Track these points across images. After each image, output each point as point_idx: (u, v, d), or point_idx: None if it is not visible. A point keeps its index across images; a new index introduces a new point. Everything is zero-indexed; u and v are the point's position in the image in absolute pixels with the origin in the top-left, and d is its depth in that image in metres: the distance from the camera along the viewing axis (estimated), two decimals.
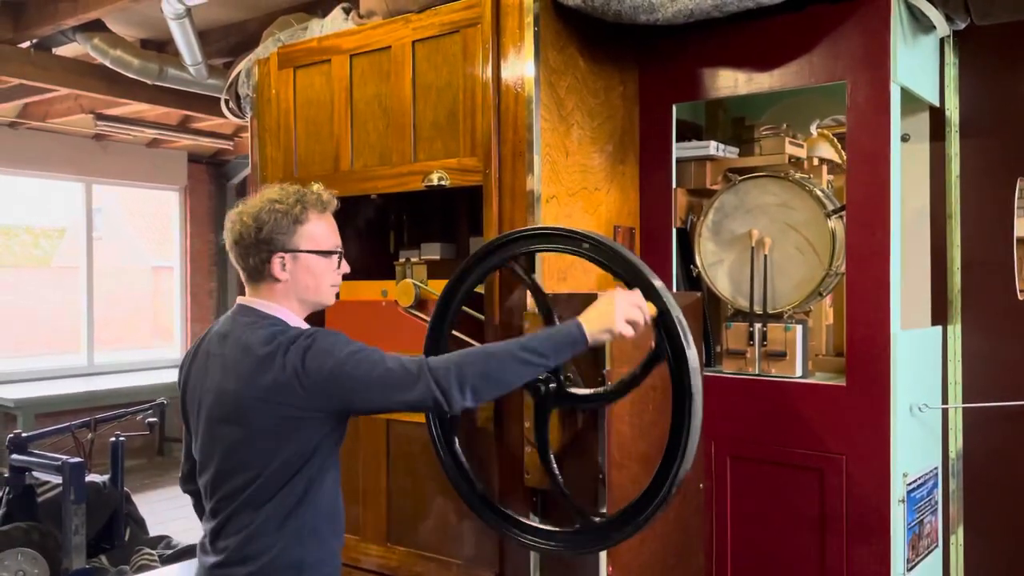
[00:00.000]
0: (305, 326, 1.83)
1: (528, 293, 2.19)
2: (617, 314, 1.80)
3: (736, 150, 2.73)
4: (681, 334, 1.84)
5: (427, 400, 1.71)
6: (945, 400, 2.57)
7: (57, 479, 3.85)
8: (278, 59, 2.75)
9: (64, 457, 3.80)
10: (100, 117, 6.64)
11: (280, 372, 1.70)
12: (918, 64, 2.44)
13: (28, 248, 13.07)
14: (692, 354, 1.85)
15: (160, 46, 5.07)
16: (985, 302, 2.54)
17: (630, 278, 1.91)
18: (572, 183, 2.37)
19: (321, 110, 2.65)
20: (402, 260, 2.59)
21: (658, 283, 1.88)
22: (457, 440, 2.21)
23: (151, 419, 4.41)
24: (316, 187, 1.93)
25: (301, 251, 1.81)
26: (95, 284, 7.63)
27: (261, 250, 1.79)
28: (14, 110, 6.78)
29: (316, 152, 2.67)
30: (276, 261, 1.79)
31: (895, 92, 2.25)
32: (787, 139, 2.52)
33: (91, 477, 4.05)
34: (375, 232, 2.85)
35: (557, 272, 2.29)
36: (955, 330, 2.58)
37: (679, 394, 1.86)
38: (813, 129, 2.81)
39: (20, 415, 6.20)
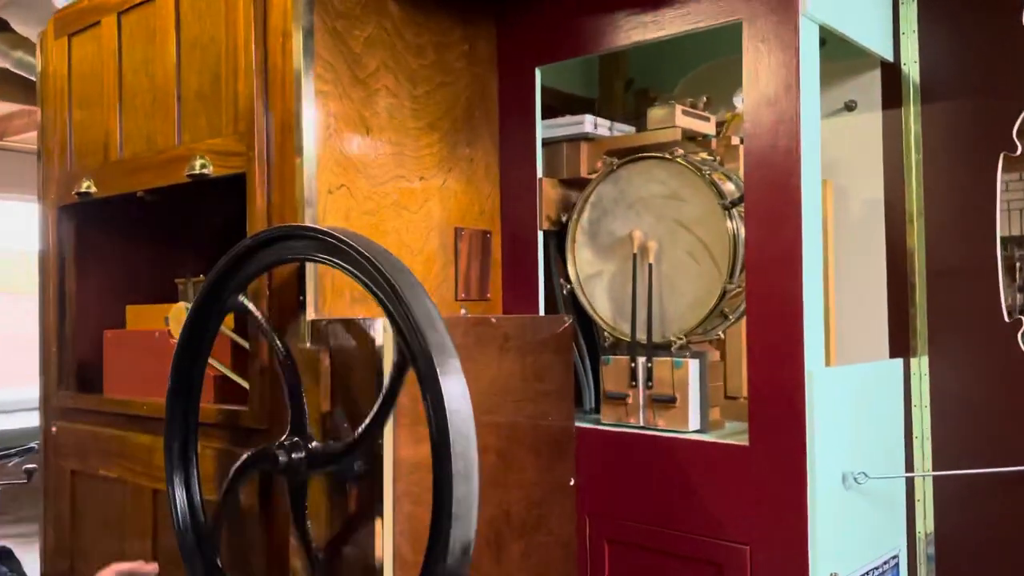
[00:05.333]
0: None
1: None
2: None
3: (631, 128, 2.10)
4: (422, 355, 1.22)
5: None
6: (909, 462, 1.88)
7: None
8: (54, 26, 2.20)
9: None
10: None
11: None
12: (854, 1, 1.79)
13: None
14: (453, 387, 1.22)
15: None
16: (961, 325, 1.86)
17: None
18: (378, 169, 1.76)
19: (92, 86, 2.08)
20: (182, 279, 2.00)
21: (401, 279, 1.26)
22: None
23: (29, 466, 3.87)
24: None
25: None
26: None
27: None
28: None
29: (89, 139, 2.10)
30: None
31: (808, 31, 1.61)
32: (680, 108, 1.88)
33: None
34: (171, 241, 2.27)
35: (349, 288, 1.67)
36: (920, 364, 1.89)
37: (435, 456, 1.23)
38: (737, 102, 2.15)
39: None
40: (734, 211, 1.75)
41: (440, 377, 1.23)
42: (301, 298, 1.60)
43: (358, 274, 1.33)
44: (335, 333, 1.57)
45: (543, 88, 2.04)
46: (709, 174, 1.77)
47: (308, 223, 1.61)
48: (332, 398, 1.56)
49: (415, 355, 1.26)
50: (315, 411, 1.54)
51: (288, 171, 1.63)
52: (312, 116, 1.63)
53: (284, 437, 1.46)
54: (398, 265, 1.30)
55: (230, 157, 1.72)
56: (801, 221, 1.57)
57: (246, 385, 1.71)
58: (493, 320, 1.71)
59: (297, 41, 1.62)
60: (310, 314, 1.60)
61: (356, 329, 1.53)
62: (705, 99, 2.07)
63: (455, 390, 1.24)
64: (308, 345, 1.58)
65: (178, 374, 1.63)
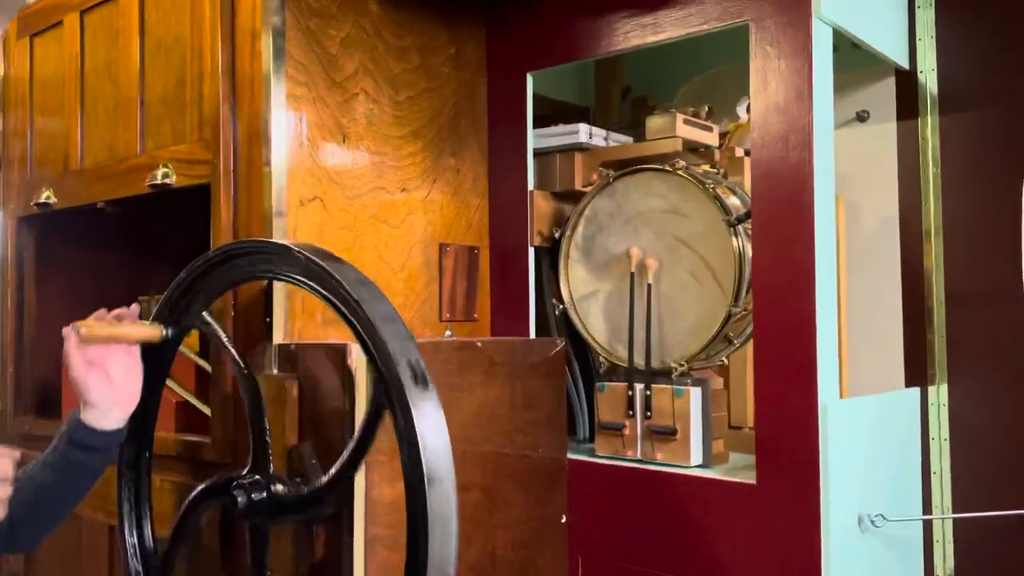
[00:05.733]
0: None
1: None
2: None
3: (628, 139, 1.97)
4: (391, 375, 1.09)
5: None
6: (927, 503, 1.74)
7: None
8: (16, 26, 2.07)
9: None
10: None
11: None
12: (868, 3, 1.67)
13: None
14: (429, 422, 1.09)
15: None
16: (982, 351, 1.73)
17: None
18: (355, 180, 1.63)
19: (54, 90, 1.95)
20: (147, 296, 1.87)
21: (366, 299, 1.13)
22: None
23: None
24: None
25: None
26: None
27: None
28: None
29: (49, 146, 1.97)
30: None
31: (821, 33, 1.48)
32: (681, 116, 1.75)
33: None
34: (138, 255, 2.13)
35: (321, 309, 1.54)
36: (939, 393, 1.76)
37: (409, 500, 1.09)
38: (741, 111, 2.03)
39: None
40: (740, 228, 1.62)
41: (414, 411, 1.09)
42: (268, 320, 1.47)
43: (326, 294, 1.19)
44: (304, 359, 1.43)
45: (535, 96, 1.92)
46: (712, 187, 1.64)
47: (277, 238, 1.48)
48: (300, 430, 1.42)
49: (386, 385, 1.12)
50: (280, 444, 1.40)
51: (256, 181, 1.50)
52: (283, 122, 1.50)
53: (245, 472, 1.32)
54: (363, 281, 1.16)
55: (194, 166, 1.59)
56: (814, 239, 1.44)
57: (209, 412, 1.57)
58: (478, 344, 1.57)
59: (267, 41, 1.49)
60: (277, 337, 1.47)
61: (328, 355, 1.39)
62: (707, 108, 1.95)
63: (431, 425, 1.10)
64: (275, 372, 1.45)
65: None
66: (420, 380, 1.12)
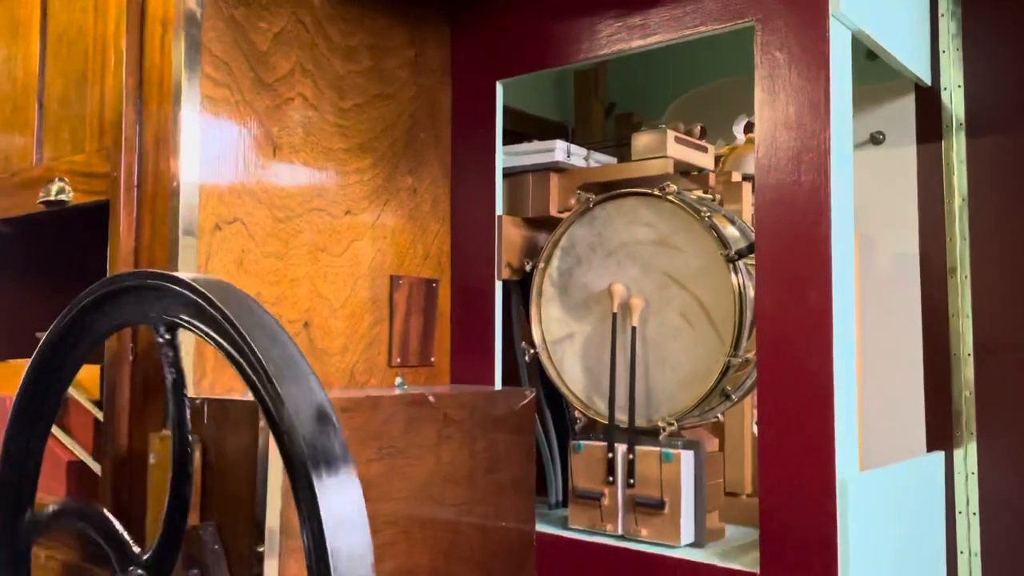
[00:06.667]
0: None
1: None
2: None
3: (612, 160, 1.74)
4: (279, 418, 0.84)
5: None
6: None
7: None
8: None
9: None
10: None
11: None
12: (889, 8, 1.45)
13: None
14: (339, 507, 0.83)
15: None
16: (1017, 411, 1.49)
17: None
18: (287, 200, 1.37)
19: None
20: (43, 331, 1.59)
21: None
22: None
23: None
24: None
25: None
26: None
27: None
28: None
29: None
30: None
31: (839, 36, 1.26)
32: (673, 134, 1.52)
33: None
34: (39, 283, 1.85)
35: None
36: (967, 458, 1.52)
37: None
38: (738, 131, 1.81)
39: None
40: (740, 264, 1.38)
41: (318, 493, 0.83)
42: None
43: (221, 342, 0.93)
44: (212, 416, 1.17)
45: (509, 109, 1.69)
46: (708, 216, 1.41)
47: (184, 268, 1.22)
48: (203, 506, 1.15)
49: (287, 459, 0.86)
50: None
51: (161, 199, 1.24)
52: (196, 128, 1.25)
53: (121, 558, 1.05)
54: (257, 313, 0.91)
55: (94, 180, 1.33)
56: (831, 280, 1.20)
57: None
58: (431, 398, 1.32)
59: (179, 31, 1.24)
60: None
61: (237, 412, 1.13)
62: (699, 128, 1.72)
63: (342, 511, 0.85)
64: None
65: (4, 464, 1.21)
66: (331, 454, 0.86)
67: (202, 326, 0.96)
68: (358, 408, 1.21)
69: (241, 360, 0.91)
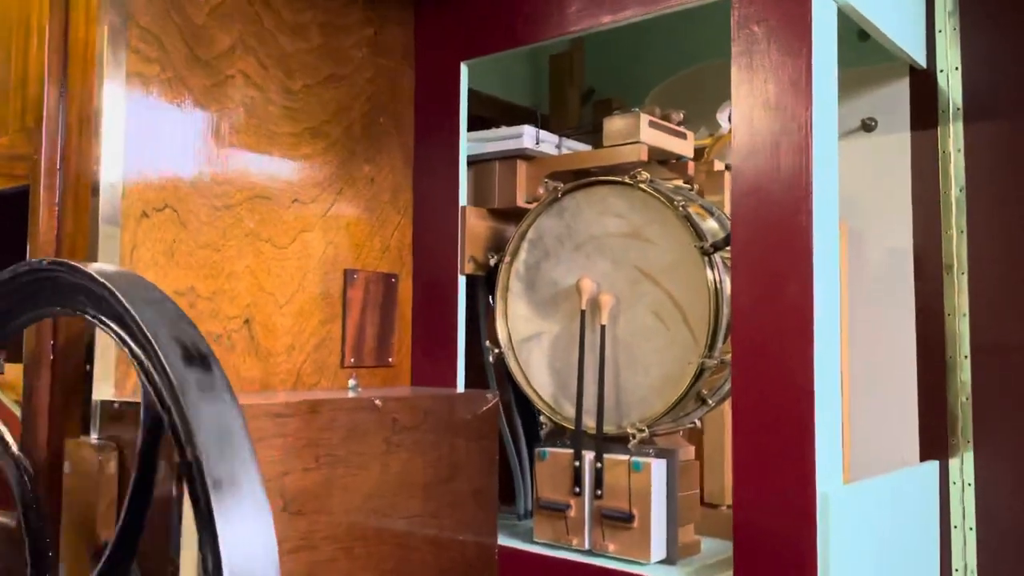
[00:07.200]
0: None
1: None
2: None
3: (587, 147, 1.63)
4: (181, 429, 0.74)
5: None
6: None
7: None
8: None
9: None
10: None
11: None
12: None
13: None
14: (240, 534, 0.73)
15: None
16: (1018, 417, 1.39)
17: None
18: (226, 187, 1.27)
19: None
20: None
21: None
22: None
23: None
24: None
25: None
26: None
27: None
28: None
29: None
30: None
31: (823, 8, 1.15)
32: (647, 118, 1.42)
33: None
34: None
35: None
36: (963, 468, 1.41)
37: None
38: (723, 119, 1.70)
39: None
40: (717, 257, 1.27)
41: (216, 517, 0.73)
42: (88, 367, 1.10)
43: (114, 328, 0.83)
44: (133, 422, 1.07)
45: (478, 95, 1.59)
46: (683, 206, 1.30)
47: (105, 259, 1.12)
48: (121, 521, 1.05)
49: (187, 472, 0.76)
50: (88, 539, 1.03)
51: (84, 185, 1.14)
52: (121, 107, 1.14)
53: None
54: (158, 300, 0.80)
55: (15, 163, 1.23)
56: (812, 275, 1.10)
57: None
58: (377, 402, 1.21)
59: (104, 2, 1.14)
60: (101, 391, 1.10)
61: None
62: (682, 115, 1.61)
63: (244, 538, 0.74)
64: (93, 439, 1.08)
65: None
66: (235, 469, 0.76)
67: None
68: (294, 413, 1.11)
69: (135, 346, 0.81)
